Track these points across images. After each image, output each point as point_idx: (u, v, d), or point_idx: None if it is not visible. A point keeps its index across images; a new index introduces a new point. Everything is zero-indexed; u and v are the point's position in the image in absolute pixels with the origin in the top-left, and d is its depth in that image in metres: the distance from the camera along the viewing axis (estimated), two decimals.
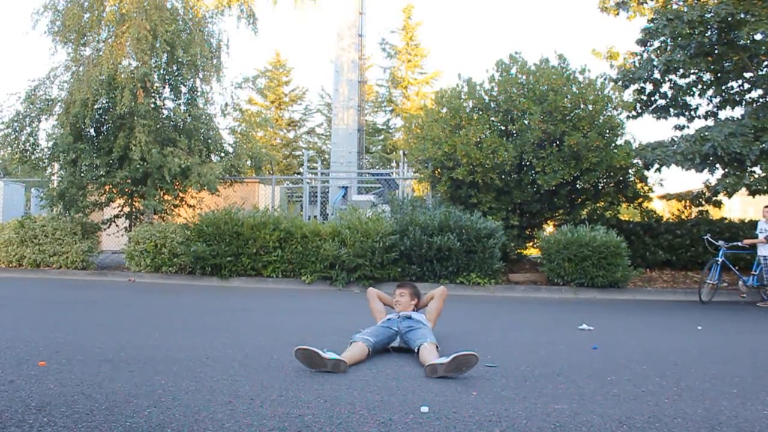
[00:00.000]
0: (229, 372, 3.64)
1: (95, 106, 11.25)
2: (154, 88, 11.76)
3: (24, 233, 11.79)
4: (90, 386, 3.21)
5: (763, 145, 9.76)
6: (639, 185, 11.97)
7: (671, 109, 12.90)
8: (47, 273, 11.45)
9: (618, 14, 13.05)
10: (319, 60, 61.20)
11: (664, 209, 14.83)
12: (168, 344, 4.57)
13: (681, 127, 13.05)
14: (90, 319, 6.06)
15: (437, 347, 4.14)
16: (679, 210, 13.14)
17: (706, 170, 10.76)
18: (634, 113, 12.76)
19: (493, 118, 11.18)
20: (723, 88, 12.56)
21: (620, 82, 12.18)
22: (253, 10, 12.63)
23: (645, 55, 12.61)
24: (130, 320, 6.05)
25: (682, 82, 12.60)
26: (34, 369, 3.57)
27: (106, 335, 4.91)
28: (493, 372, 3.86)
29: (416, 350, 4.11)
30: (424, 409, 2.96)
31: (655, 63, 11.93)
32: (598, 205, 12.06)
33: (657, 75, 12.24)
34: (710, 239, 9.85)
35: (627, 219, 13.05)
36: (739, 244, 9.59)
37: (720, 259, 9.37)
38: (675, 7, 11.74)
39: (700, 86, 12.67)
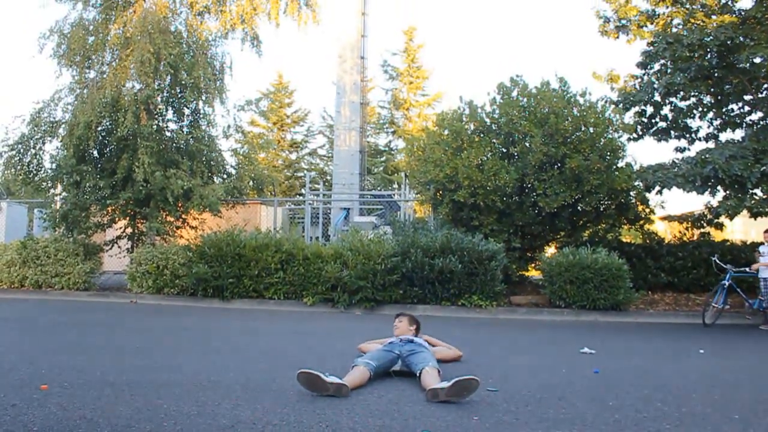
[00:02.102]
0: (231, 396, 3.64)
1: (99, 128, 11.34)
2: (158, 110, 11.85)
3: (26, 254, 11.80)
4: (92, 410, 3.21)
5: (764, 167, 9.79)
6: (640, 207, 11.96)
7: (672, 132, 12.97)
8: (49, 294, 11.45)
9: (618, 37, 13.17)
10: (321, 81, 61.73)
11: (666, 231, 14.82)
12: (170, 367, 4.57)
13: (682, 150, 13.11)
14: (92, 342, 6.06)
15: (439, 371, 4.14)
16: (680, 232, 13.09)
17: (707, 192, 10.76)
18: (634, 136, 12.81)
19: (494, 141, 11.25)
20: (723, 110, 12.65)
21: (621, 105, 12.24)
22: (257, 32, 12.75)
23: (645, 78, 12.71)
24: (132, 343, 6.05)
25: (682, 104, 12.69)
26: (37, 392, 3.57)
27: (108, 358, 4.92)
28: (494, 396, 3.85)
29: (418, 374, 4.11)
30: None
31: (655, 86, 12.02)
32: (599, 227, 12.06)
33: (657, 98, 12.32)
34: (718, 261, 9.81)
35: (629, 241, 13.03)
36: (748, 270, 9.56)
37: (727, 283, 9.34)
38: (675, 30, 11.86)
39: (700, 109, 12.76)
